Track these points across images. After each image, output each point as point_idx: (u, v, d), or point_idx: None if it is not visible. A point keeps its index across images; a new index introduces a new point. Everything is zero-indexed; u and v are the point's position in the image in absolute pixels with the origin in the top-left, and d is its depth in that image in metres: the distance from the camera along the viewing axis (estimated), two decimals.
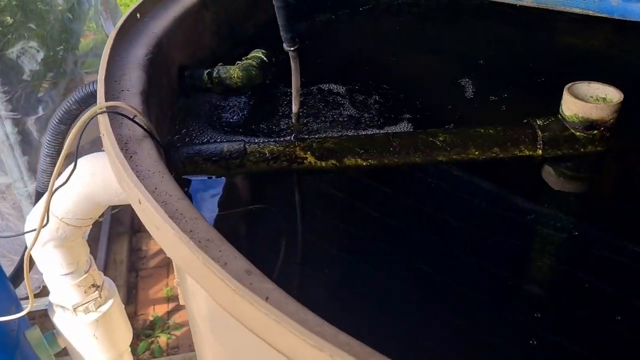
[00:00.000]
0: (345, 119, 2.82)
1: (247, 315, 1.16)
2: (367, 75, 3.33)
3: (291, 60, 2.05)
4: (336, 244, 2.38)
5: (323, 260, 2.28)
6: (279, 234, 2.35)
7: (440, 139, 2.46)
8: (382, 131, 2.74)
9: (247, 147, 2.39)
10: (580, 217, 2.49)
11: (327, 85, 3.17)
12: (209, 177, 2.41)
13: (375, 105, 2.98)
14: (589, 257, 2.25)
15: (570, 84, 2.53)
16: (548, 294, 2.15)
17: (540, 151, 2.48)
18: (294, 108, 2.30)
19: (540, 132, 2.49)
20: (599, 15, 3.02)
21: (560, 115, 2.53)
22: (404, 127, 2.81)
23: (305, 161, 2.39)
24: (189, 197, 2.28)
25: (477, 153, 2.47)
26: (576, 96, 2.51)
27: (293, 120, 2.38)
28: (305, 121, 2.76)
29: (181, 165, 2.28)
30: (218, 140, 2.58)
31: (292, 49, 1.96)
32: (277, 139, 2.50)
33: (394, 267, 2.19)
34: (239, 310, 1.18)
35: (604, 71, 3.25)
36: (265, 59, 2.83)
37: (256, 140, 2.50)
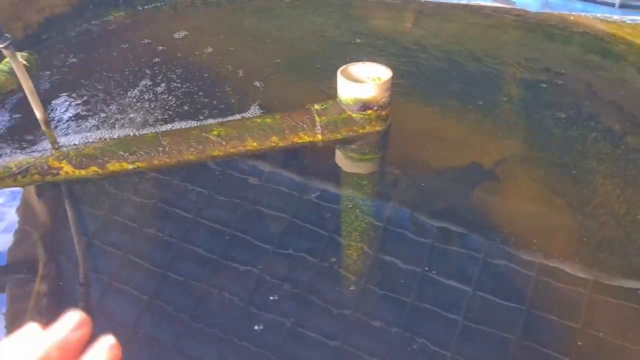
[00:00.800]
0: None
1: None
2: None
3: (9, 59, 1.79)
4: (150, 257, 2.14)
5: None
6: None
7: (215, 133, 2.33)
8: (156, 129, 2.55)
9: None
10: (371, 196, 2.50)
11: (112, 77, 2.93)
12: None
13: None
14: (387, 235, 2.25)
15: (343, 66, 2.51)
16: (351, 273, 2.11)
17: (320, 136, 2.44)
18: (37, 114, 2.04)
19: (318, 117, 2.44)
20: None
21: (338, 98, 2.52)
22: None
23: (60, 172, 2.14)
24: None
25: (254, 144, 2.37)
26: (351, 78, 2.50)
27: (43, 128, 2.12)
28: (69, 125, 2.49)
29: None
30: None
31: (2, 46, 1.71)
32: (30, 150, 2.23)
33: (207, 270, 2.03)
34: None
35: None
36: (25, 62, 2.52)
37: (4, 154, 2.21)
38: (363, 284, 2.03)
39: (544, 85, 3.07)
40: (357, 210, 2.35)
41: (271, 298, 1.92)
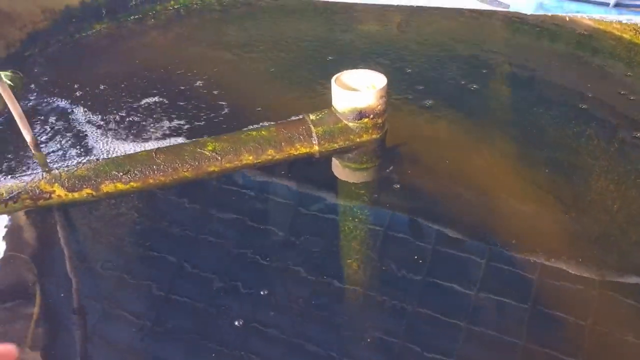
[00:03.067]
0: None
1: None
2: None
3: None
4: (140, 276, 2.09)
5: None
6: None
7: (210, 148, 2.28)
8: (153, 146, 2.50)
9: None
10: (369, 204, 2.47)
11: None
12: None
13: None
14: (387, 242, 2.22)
15: (337, 75, 2.47)
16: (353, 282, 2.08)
17: (316, 147, 2.40)
18: (27, 137, 1.98)
19: (314, 128, 2.40)
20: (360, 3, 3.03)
21: (333, 107, 2.48)
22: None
23: (53, 195, 2.08)
24: None
25: (251, 158, 2.32)
26: (345, 86, 2.46)
27: (32, 151, 2.06)
28: (59, 147, 2.42)
29: None
30: None
31: None
32: (20, 175, 2.16)
33: (208, 284, 1.98)
34: None
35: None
36: (8, 82, 2.45)
37: None
38: (363, 293, 2.00)
39: (535, 84, 3.07)
40: (356, 220, 2.32)
41: (272, 314, 1.89)
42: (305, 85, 3.10)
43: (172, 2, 3.83)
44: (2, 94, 1.75)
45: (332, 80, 2.45)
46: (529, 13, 2.26)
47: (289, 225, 2.31)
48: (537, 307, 1.90)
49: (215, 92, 2.99)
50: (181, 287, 1.99)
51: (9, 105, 1.80)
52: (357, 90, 2.45)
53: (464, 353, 1.77)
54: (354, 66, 2.60)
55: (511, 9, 2.27)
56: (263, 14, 3.91)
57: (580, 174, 2.49)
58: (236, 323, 1.84)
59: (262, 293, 1.95)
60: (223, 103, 2.90)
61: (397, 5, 3.59)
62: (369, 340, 1.82)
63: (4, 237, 2.18)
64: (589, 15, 2.41)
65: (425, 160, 2.61)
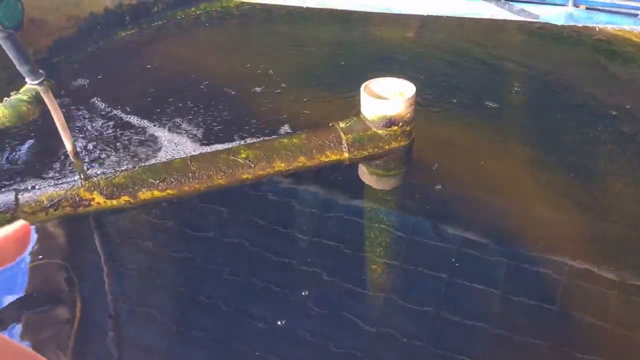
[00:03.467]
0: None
1: None
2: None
3: (42, 95, 1.77)
4: (171, 276, 2.14)
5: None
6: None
7: (243, 156, 2.31)
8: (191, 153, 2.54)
9: (20, 197, 2.06)
10: (397, 210, 2.51)
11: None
12: None
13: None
14: (411, 247, 2.26)
15: (366, 83, 2.51)
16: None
17: (346, 154, 2.44)
18: (67, 146, 2.01)
19: (344, 135, 2.44)
20: (377, 12, 3.07)
21: (362, 114, 2.51)
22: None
23: (92, 203, 2.12)
24: None
25: (282, 165, 2.35)
26: (374, 94, 2.49)
27: (72, 159, 2.09)
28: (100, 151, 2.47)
29: None
30: None
31: (36, 82, 1.68)
32: (59, 182, 2.20)
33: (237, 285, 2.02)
34: None
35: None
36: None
37: (33, 187, 2.17)
38: (389, 297, 2.04)
39: (553, 90, 3.11)
40: (382, 225, 2.36)
41: (299, 316, 1.93)
42: (324, 89, 3.15)
43: (193, 9, 3.87)
44: (47, 103, 1.79)
45: (361, 88, 2.48)
46: (559, 24, 2.30)
47: (315, 229, 2.35)
48: (559, 309, 1.94)
49: (237, 95, 3.04)
50: (214, 290, 2.04)
51: (53, 114, 1.84)
52: (386, 98, 2.48)
53: (484, 354, 1.81)
54: (371, 71, 2.65)
55: (541, 20, 2.30)
56: (281, 20, 3.95)
57: (598, 178, 2.53)
58: (278, 323, 1.89)
59: (288, 297, 2.00)
60: (248, 107, 2.95)
61: (415, 14, 3.62)
62: (395, 343, 1.86)
63: (35, 244, 2.22)
64: (619, 26, 2.44)
65: (447, 166, 2.66)
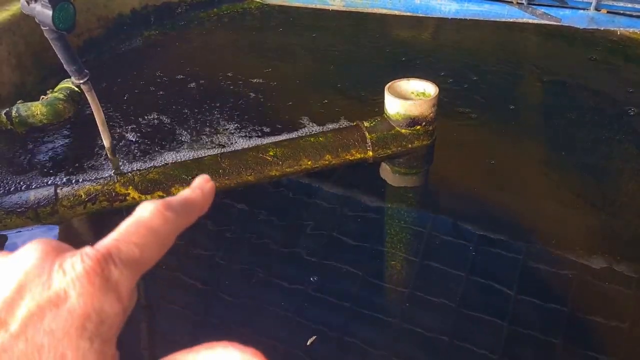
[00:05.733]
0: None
1: None
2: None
3: (85, 93, 1.85)
4: (192, 272, 2.22)
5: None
6: None
7: (271, 153, 2.39)
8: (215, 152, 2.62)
9: (59, 191, 2.15)
10: (418, 208, 2.58)
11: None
12: (18, 231, 2.14)
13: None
14: (431, 244, 2.33)
15: (389, 83, 2.57)
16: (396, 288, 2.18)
17: (370, 152, 2.50)
18: (106, 142, 2.10)
19: (368, 134, 2.51)
20: (404, 14, 3.14)
21: (386, 114, 2.58)
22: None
23: (128, 197, 2.20)
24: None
25: (309, 163, 2.43)
26: (397, 94, 2.56)
27: (108, 155, 2.18)
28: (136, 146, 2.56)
29: None
30: (23, 188, 2.30)
31: (82, 81, 1.76)
32: (96, 177, 2.28)
33: (256, 283, 2.09)
34: None
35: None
36: (77, 88, 2.57)
37: (71, 181, 2.26)
38: (409, 292, 2.11)
39: (568, 91, 3.17)
40: (402, 222, 2.44)
41: (320, 310, 2.00)
42: (344, 90, 3.22)
43: (215, 10, 3.96)
44: (89, 101, 1.86)
45: (385, 88, 2.55)
46: (581, 27, 2.36)
47: (338, 226, 2.43)
48: (572, 307, 2.00)
49: (259, 96, 3.12)
50: (227, 283, 2.11)
51: (94, 111, 1.92)
52: (410, 98, 2.55)
53: (505, 351, 1.87)
54: (383, 72, 2.73)
55: (563, 23, 2.36)
56: (300, 21, 4.03)
57: (613, 177, 2.60)
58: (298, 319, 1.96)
59: (309, 291, 2.07)
60: (271, 105, 3.03)
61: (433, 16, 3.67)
62: (418, 338, 1.93)
63: (59, 240, 2.30)
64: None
65: (466, 164, 2.73)
